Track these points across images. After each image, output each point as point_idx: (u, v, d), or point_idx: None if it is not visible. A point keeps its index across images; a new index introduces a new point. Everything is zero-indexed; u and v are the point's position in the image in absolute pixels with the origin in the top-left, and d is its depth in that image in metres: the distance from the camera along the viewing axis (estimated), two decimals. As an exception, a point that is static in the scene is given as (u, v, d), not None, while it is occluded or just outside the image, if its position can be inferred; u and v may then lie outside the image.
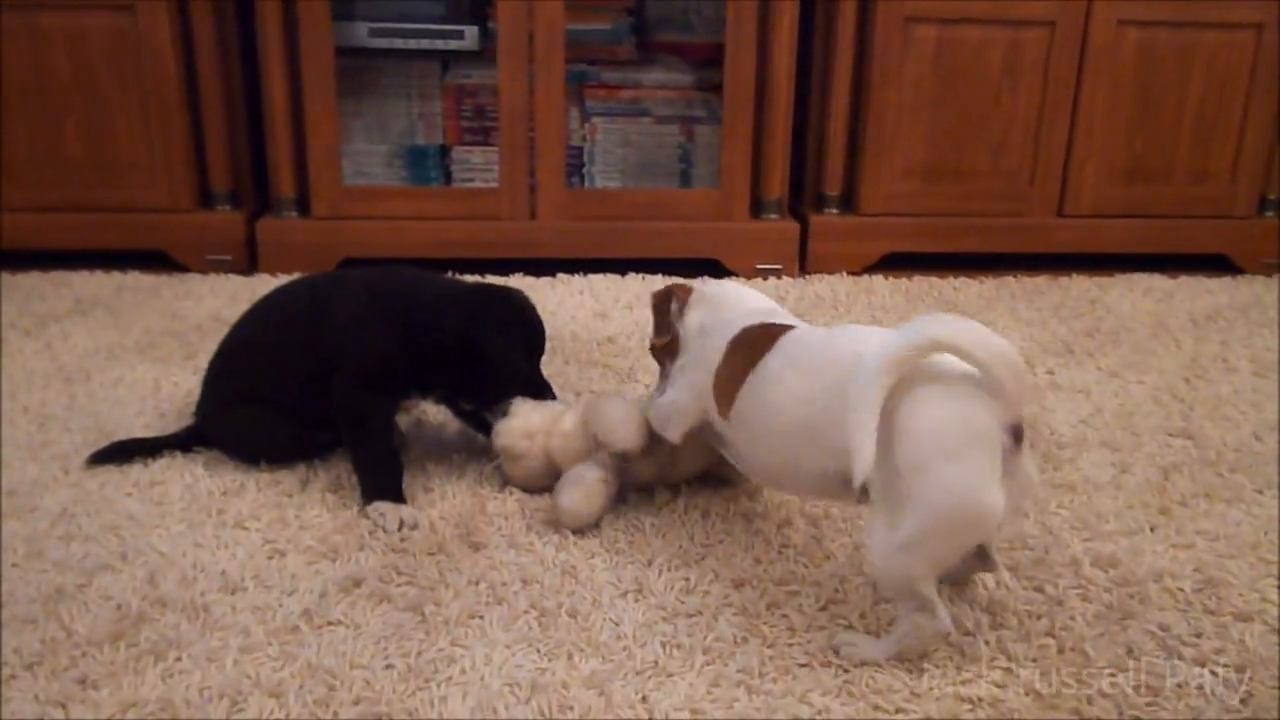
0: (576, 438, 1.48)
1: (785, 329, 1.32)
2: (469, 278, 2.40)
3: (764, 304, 1.45)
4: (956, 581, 1.29)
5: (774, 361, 1.28)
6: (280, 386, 1.55)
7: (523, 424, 1.49)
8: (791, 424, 1.23)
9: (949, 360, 1.11)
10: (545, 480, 1.49)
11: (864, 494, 1.15)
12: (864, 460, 1.08)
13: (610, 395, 1.50)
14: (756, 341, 1.32)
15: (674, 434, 1.42)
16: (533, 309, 1.57)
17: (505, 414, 1.50)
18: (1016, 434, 1.09)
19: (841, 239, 2.62)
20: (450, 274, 2.42)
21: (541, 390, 1.56)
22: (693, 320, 1.45)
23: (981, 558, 1.27)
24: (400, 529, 1.41)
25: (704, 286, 1.49)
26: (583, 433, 1.48)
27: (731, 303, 1.44)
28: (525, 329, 1.55)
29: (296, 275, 2.33)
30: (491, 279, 2.41)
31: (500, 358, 1.50)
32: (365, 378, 1.50)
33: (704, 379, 1.37)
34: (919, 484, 1.09)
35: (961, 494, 1.08)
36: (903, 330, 1.11)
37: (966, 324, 1.09)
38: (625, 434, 1.44)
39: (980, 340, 1.08)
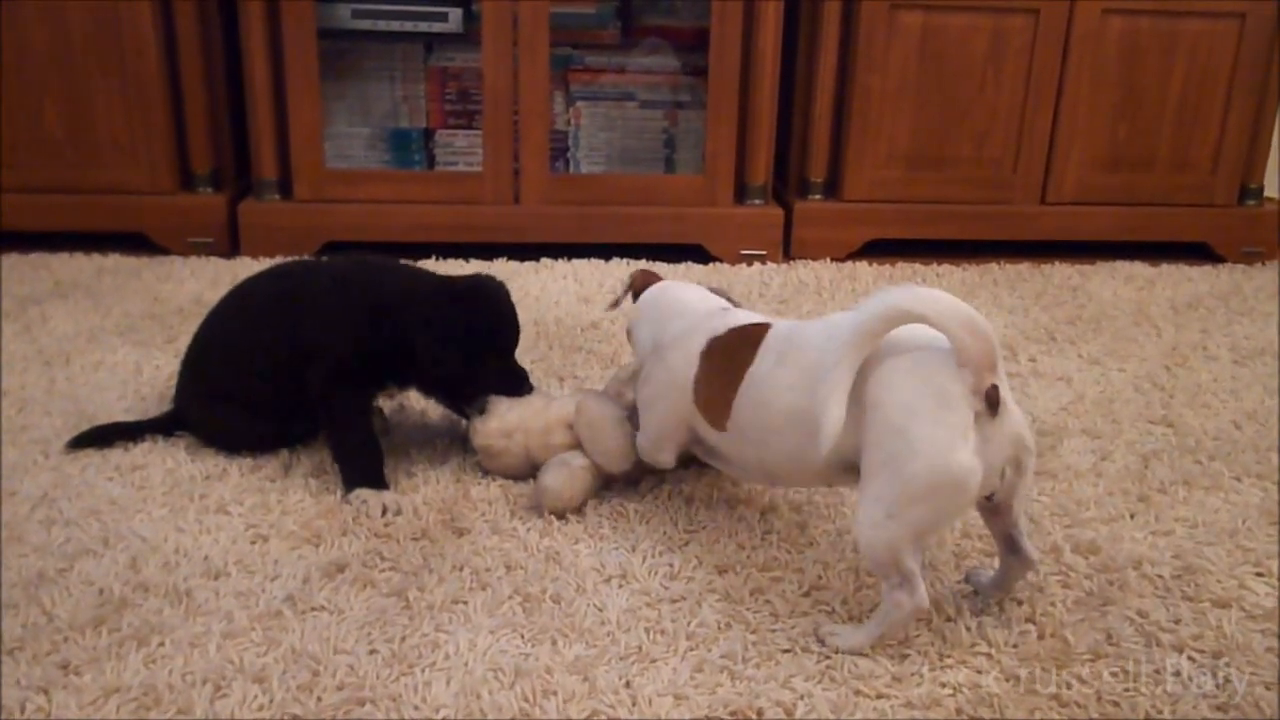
0: (557, 434, 1.48)
1: (764, 328, 1.31)
2: (452, 263, 2.43)
3: (708, 303, 1.44)
4: (1003, 590, 1.27)
5: (765, 363, 1.27)
6: (253, 381, 1.54)
7: (499, 424, 1.48)
8: (784, 416, 1.23)
9: (920, 330, 1.12)
10: (527, 473, 1.49)
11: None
12: (830, 426, 1.11)
13: (601, 403, 1.47)
14: (738, 347, 1.31)
15: (667, 460, 1.43)
16: (500, 302, 1.52)
17: (482, 412, 1.49)
18: (991, 400, 1.10)
19: (825, 225, 2.62)
20: (434, 259, 2.44)
21: (518, 382, 1.53)
22: (641, 335, 1.47)
23: (1014, 550, 1.24)
24: (384, 515, 1.41)
25: (651, 290, 1.50)
26: (567, 431, 1.47)
27: (674, 310, 1.44)
28: (488, 324, 1.50)
29: (279, 259, 2.33)
30: (475, 264, 2.43)
31: (431, 359, 1.46)
32: (338, 372, 1.48)
33: (677, 399, 1.37)
34: (890, 451, 1.11)
35: (931, 455, 1.09)
36: (868, 301, 1.13)
37: (930, 292, 1.10)
38: (619, 459, 1.45)
39: (943, 307, 1.09)
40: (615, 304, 1.57)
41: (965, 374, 1.09)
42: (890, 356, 1.13)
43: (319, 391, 1.49)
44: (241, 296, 1.61)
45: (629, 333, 1.53)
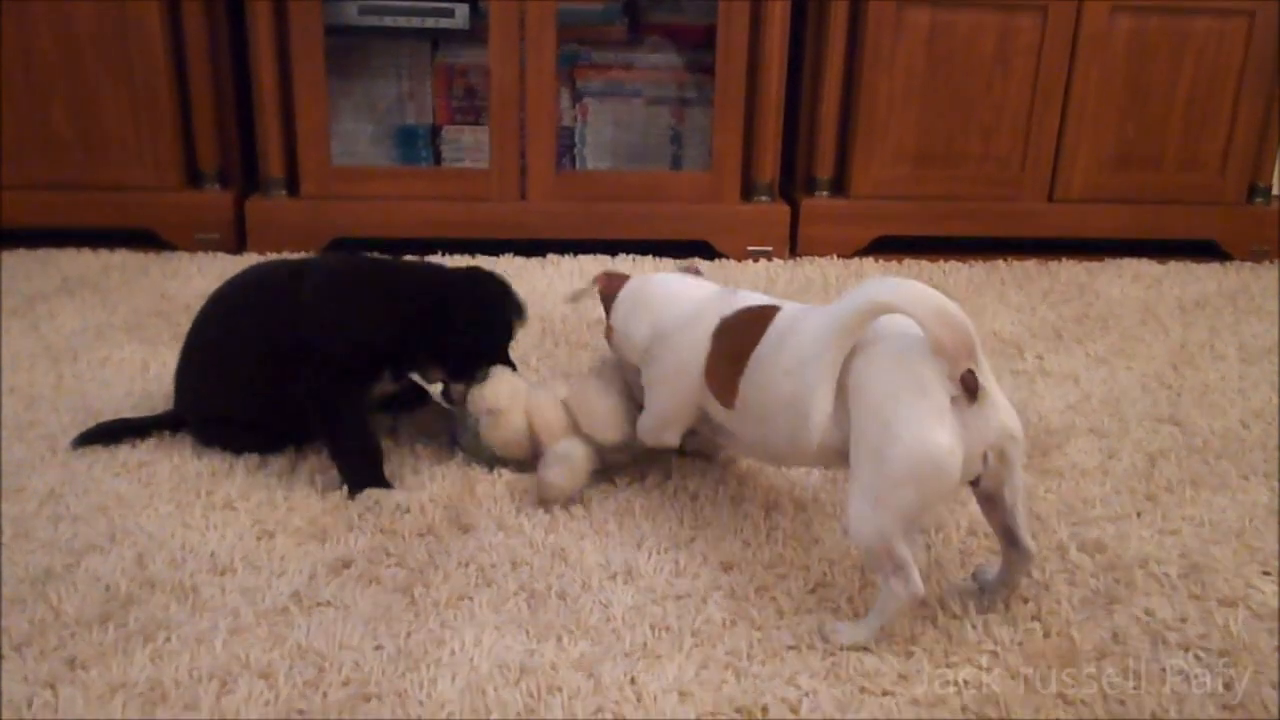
0: (555, 410, 1.49)
1: (774, 310, 1.34)
2: (458, 259, 2.42)
3: (705, 287, 1.46)
4: (1008, 586, 1.26)
5: (768, 345, 1.29)
6: (244, 392, 1.52)
7: (508, 386, 1.50)
8: (780, 399, 1.25)
9: (899, 321, 1.16)
10: (524, 445, 1.50)
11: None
12: (818, 416, 1.16)
13: (595, 381, 1.50)
14: (748, 326, 1.33)
15: (671, 440, 1.45)
16: (505, 291, 1.58)
17: (483, 380, 1.51)
18: (968, 386, 1.11)
19: (832, 222, 2.62)
20: (440, 255, 2.43)
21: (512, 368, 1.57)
22: (633, 328, 1.47)
23: (1012, 543, 1.23)
24: (394, 512, 1.41)
25: (630, 285, 1.51)
26: (564, 410, 1.49)
27: (668, 297, 1.46)
28: (504, 307, 1.55)
29: (286, 255, 2.33)
30: (481, 260, 2.43)
31: (485, 333, 1.52)
32: (331, 370, 1.47)
33: (688, 381, 1.38)
34: (871, 437, 1.14)
35: (908, 438, 1.11)
36: (849, 294, 1.17)
37: (902, 283, 1.14)
38: (608, 428, 1.46)
39: (916, 297, 1.12)
40: (576, 298, 1.59)
41: (941, 361, 1.12)
42: (870, 345, 1.17)
43: (315, 392, 1.46)
44: (221, 304, 1.58)
45: (609, 333, 1.53)
